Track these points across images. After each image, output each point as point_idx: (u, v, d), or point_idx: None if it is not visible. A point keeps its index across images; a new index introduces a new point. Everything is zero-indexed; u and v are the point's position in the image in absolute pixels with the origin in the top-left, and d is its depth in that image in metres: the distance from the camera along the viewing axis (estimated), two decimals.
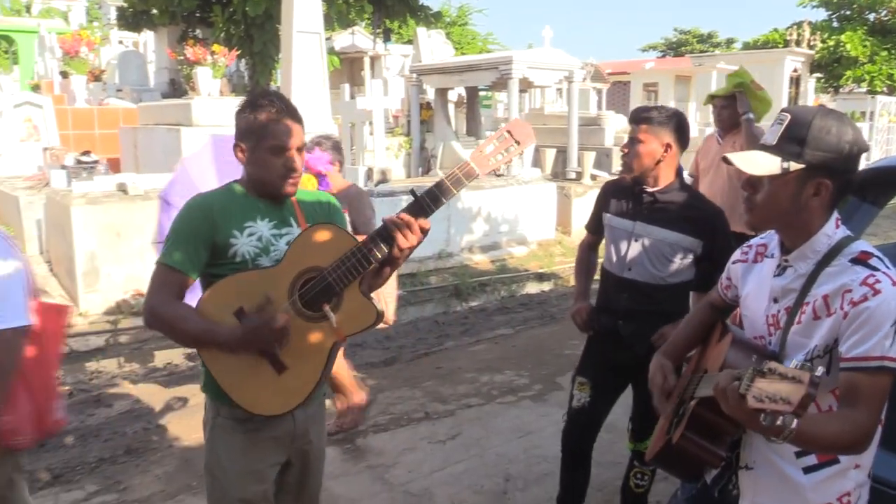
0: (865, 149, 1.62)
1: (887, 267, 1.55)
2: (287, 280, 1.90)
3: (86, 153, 8.51)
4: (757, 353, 1.71)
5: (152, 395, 4.84)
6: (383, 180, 8.80)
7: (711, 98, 4.80)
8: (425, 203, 1.85)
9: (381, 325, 2.14)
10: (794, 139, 1.57)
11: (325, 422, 2.28)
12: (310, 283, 1.90)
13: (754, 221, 1.68)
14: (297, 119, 2.01)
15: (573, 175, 11.06)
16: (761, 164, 1.59)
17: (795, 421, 1.26)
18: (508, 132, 1.87)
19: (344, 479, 3.68)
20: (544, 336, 6.17)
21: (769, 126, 1.69)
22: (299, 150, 2.00)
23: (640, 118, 2.69)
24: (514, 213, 9.27)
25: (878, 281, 1.51)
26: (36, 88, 14.86)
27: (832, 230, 1.62)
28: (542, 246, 9.44)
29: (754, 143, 4.17)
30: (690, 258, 2.68)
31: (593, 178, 11.04)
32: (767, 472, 1.65)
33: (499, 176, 9.52)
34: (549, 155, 11.65)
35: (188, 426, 4.23)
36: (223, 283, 1.94)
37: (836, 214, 1.65)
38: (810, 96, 23.56)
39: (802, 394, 1.24)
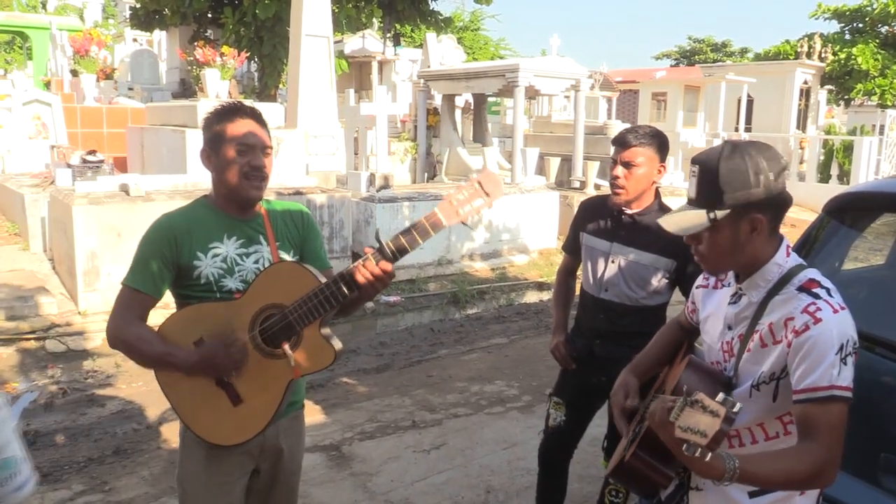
0: (783, 167, 1.61)
1: (830, 296, 1.57)
2: (249, 314, 1.93)
3: (91, 152, 8.59)
4: (713, 378, 1.73)
5: (145, 396, 4.89)
6: (385, 186, 8.84)
7: None
8: (392, 251, 1.85)
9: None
10: (709, 189, 1.59)
11: (303, 431, 2.30)
12: (271, 319, 1.91)
13: (708, 269, 1.74)
14: (261, 123, 2.01)
15: (577, 184, 11.08)
16: (690, 221, 1.62)
17: (710, 455, 1.29)
18: (479, 183, 1.84)
19: (328, 485, 3.71)
20: (538, 346, 6.16)
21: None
22: (264, 151, 1.99)
23: (634, 141, 2.60)
24: (516, 222, 9.30)
25: (818, 309, 1.53)
26: (48, 86, 15.02)
27: (783, 259, 1.65)
28: (542, 255, 9.46)
29: None
30: (667, 280, 2.68)
31: (597, 187, 11.05)
32: (715, 495, 1.68)
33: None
34: (554, 163, 11.68)
35: (177, 428, 4.26)
36: (185, 311, 1.99)
37: (786, 242, 1.67)
38: (821, 108, 23.47)
39: (716, 429, 1.27)
